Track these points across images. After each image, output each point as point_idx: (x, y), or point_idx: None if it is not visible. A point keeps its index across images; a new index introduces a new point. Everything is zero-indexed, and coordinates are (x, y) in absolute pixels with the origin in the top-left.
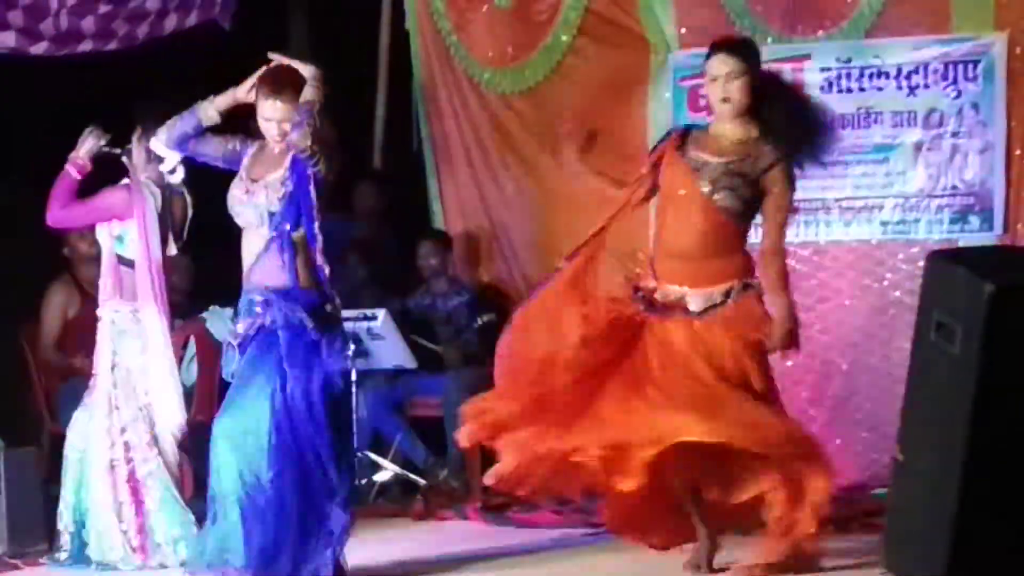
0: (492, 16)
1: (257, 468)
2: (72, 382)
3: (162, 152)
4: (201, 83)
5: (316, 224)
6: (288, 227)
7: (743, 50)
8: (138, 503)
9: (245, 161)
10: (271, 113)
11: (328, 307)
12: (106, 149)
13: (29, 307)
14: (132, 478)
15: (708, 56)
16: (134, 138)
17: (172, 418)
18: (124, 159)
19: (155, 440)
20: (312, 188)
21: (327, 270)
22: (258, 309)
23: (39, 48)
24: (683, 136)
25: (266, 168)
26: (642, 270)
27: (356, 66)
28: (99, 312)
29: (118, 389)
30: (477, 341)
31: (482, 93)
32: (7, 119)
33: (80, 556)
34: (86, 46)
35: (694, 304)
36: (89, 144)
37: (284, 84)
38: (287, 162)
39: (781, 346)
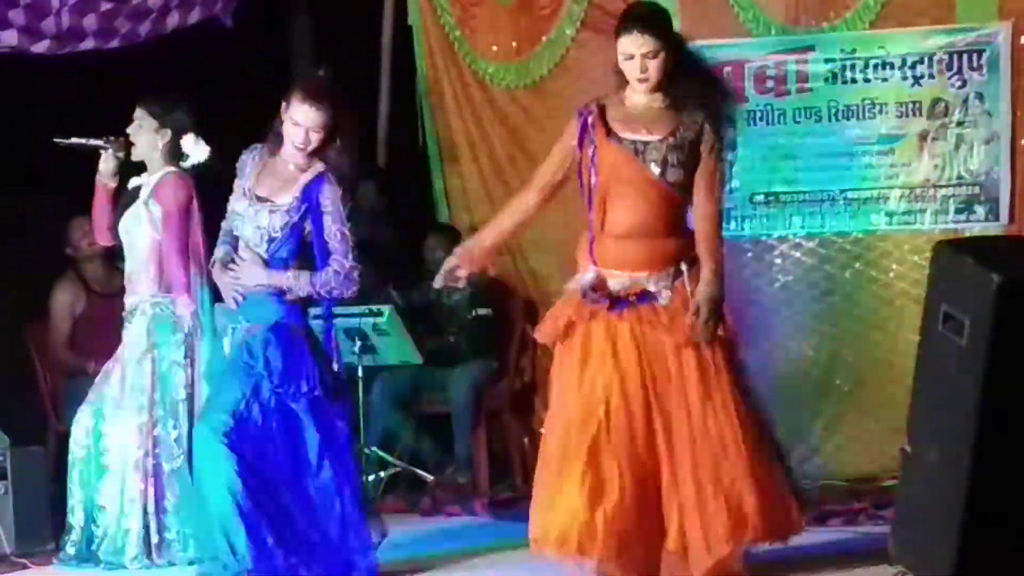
0: (496, 10)
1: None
2: (77, 380)
3: (190, 149)
4: (203, 80)
5: (297, 260)
6: (285, 255)
7: (658, 26)
8: (159, 500)
9: (248, 171)
10: (302, 118)
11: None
12: (93, 143)
13: (33, 306)
14: (157, 475)
15: (620, 30)
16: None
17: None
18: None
19: (183, 437)
20: (310, 227)
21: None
22: (244, 321)
23: (41, 47)
24: (603, 118)
25: (277, 188)
26: (580, 261)
27: (359, 62)
28: (130, 302)
29: (156, 383)
30: (467, 333)
31: (486, 88)
32: (10, 118)
33: (88, 554)
34: (88, 44)
35: (660, 295)
36: (111, 164)
37: (321, 92)
38: (301, 188)
39: (704, 334)
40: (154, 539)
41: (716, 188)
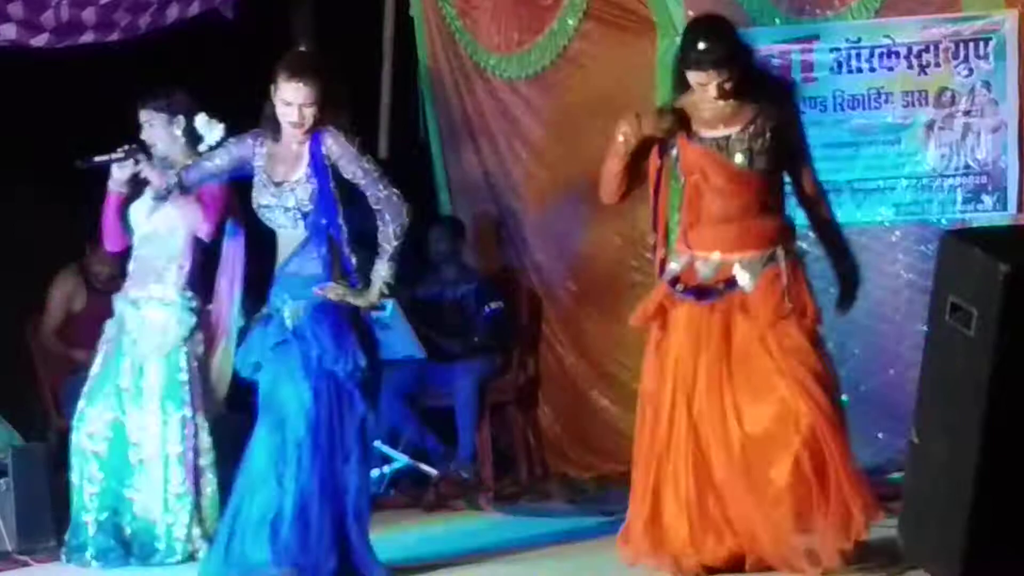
0: (497, 1)
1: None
2: (79, 376)
3: (204, 129)
4: (204, 72)
5: (339, 215)
6: (325, 222)
7: (727, 53)
8: (197, 495)
9: (260, 162)
10: (292, 96)
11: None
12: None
13: (33, 302)
14: (196, 470)
15: (688, 63)
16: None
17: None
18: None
19: (211, 430)
20: (332, 180)
21: (353, 260)
22: (292, 301)
23: (40, 40)
24: (681, 120)
25: (288, 167)
26: (660, 251)
27: (360, 53)
28: (148, 292)
29: (192, 376)
30: (485, 330)
31: (488, 79)
32: (11, 111)
33: (110, 549)
34: (87, 37)
35: (742, 278)
36: (126, 172)
37: (306, 66)
38: (306, 157)
39: (845, 304)
40: (196, 532)
41: (811, 165)
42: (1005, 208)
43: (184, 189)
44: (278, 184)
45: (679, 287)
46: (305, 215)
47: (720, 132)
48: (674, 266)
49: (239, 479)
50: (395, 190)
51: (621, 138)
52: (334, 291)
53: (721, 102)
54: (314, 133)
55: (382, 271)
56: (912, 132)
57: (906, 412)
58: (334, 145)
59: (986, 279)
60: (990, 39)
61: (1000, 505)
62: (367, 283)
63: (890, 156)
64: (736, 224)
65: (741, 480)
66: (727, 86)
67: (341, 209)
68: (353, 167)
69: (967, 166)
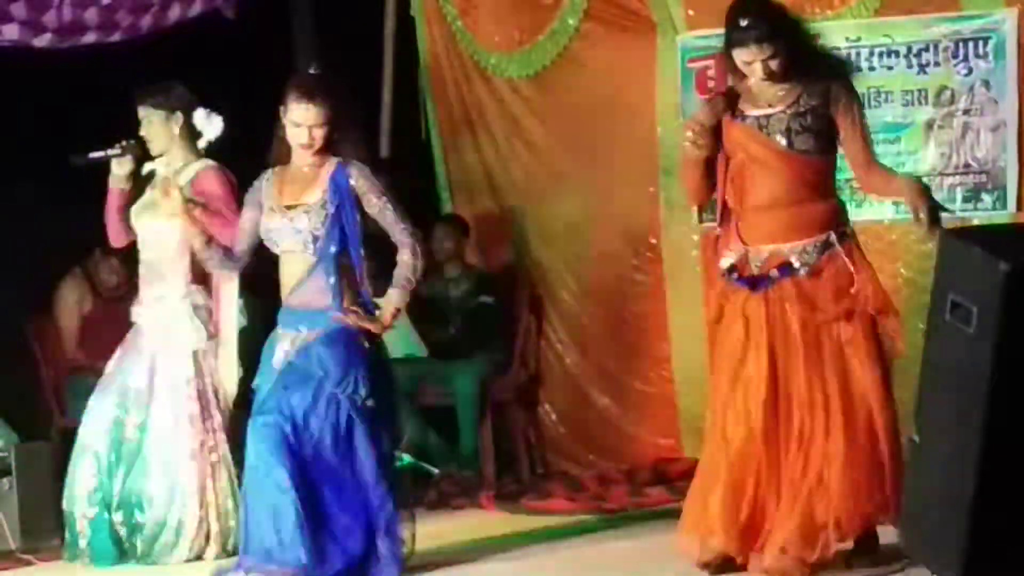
0: (498, 1)
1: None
2: (81, 376)
3: (203, 125)
4: (206, 72)
5: (360, 247)
6: (334, 250)
7: (772, 28)
8: (206, 493)
9: (265, 192)
10: (301, 117)
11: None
12: (110, 152)
13: (36, 302)
14: (206, 468)
15: (733, 41)
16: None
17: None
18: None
19: (222, 427)
20: (356, 209)
21: (370, 293)
22: (302, 328)
23: (42, 40)
24: (730, 100)
25: (301, 189)
26: (725, 244)
27: (361, 53)
28: (153, 292)
29: (200, 373)
30: (464, 320)
31: (489, 78)
32: (13, 111)
33: (117, 545)
34: (89, 38)
35: (796, 262)
36: (126, 168)
37: (315, 88)
38: (325, 182)
39: (930, 221)
40: (214, 528)
41: (867, 145)
42: (1005, 207)
43: (240, 263)
44: (289, 207)
45: (734, 275)
46: (315, 239)
47: (763, 111)
48: (729, 259)
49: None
50: (416, 231)
51: (688, 143)
52: (350, 317)
53: (772, 87)
54: (338, 164)
55: (394, 297)
56: (912, 131)
57: (906, 410)
58: (362, 179)
59: (986, 277)
60: (989, 38)
61: (1001, 502)
62: (382, 281)
63: (890, 155)
64: (784, 210)
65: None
66: (773, 64)
67: (361, 238)
68: (379, 204)
69: (967, 165)
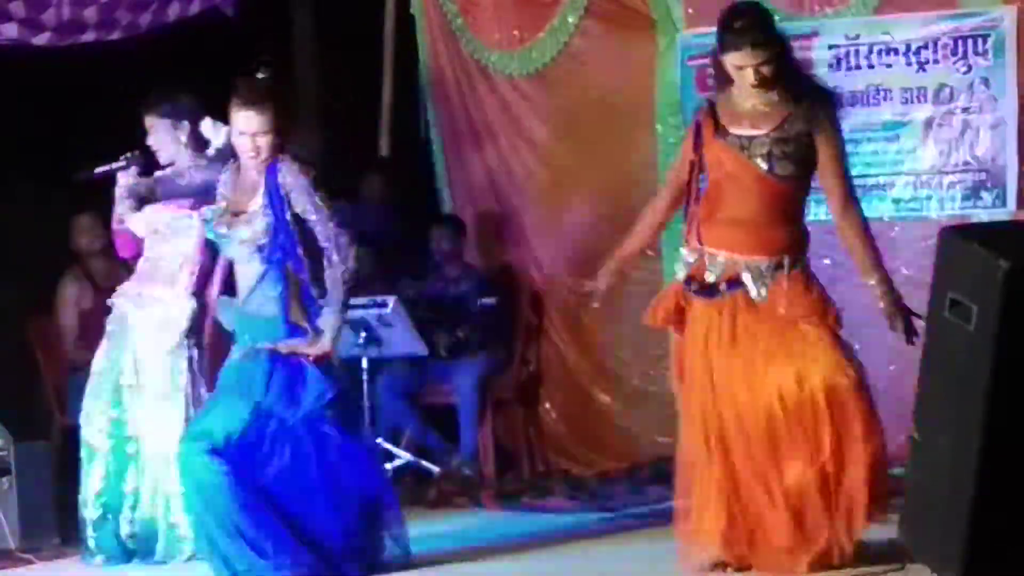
0: None
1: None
2: (82, 375)
3: (210, 133)
4: (205, 70)
5: (299, 247)
6: (279, 256)
7: (767, 35)
8: None
9: (223, 189)
10: (244, 125)
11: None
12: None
13: (35, 300)
14: None
15: (728, 45)
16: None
17: None
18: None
19: None
20: (288, 212)
21: (315, 292)
22: (247, 337)
23: (41, 39)
24: (712, 116)
25: (245, 199)
26: (689, 248)
27: (361, 51)
28: (152, 293)
29: (195, 377)
30: (473, 325)
31: (489, 76)
32: (13, 111)
33: (119, 545)
34: (89, 36)
35: (746, 281)
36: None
37: (256, 94)
38: (263, 187)
39: (899, 329)
40: None
41: (845, 180)
42: (1004, 204)
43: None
44: (235, 214)
45: (693, 285)
46: (260, 248)
47: (747, 131)
48: (687, 261)
49: None
50: (344, 232)
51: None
52: (287, 346)
53: (757, 99)
54: (271, 163)
55: (330, 319)
56: (911, 129)
57: (907, 408)
58: (288, 175)
59: (986, 275)
60: (989, 35)
61: (1002, 500)
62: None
63: (889, 153)
64: (749, 227)
65: (757, 479)
66: (765, 70)
67: (300, 241)
68: (304, 202)
69: (966, 163)
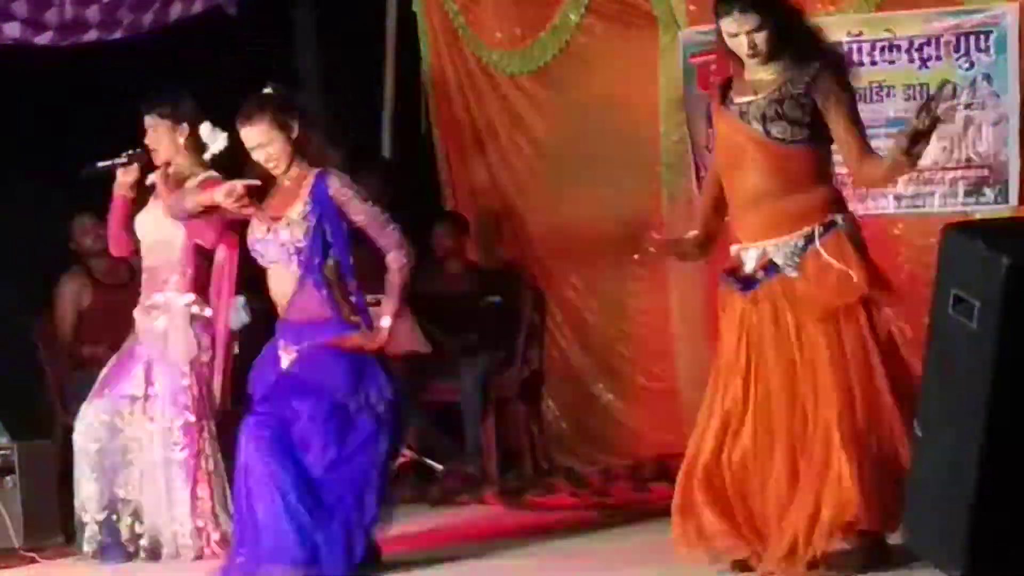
0: None
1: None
2: (84, 374)
3: (208, 138)
4: (207, 70)
5: (349, 255)
6: (318, 261)
7: (755, 4)
8: (209, 498)
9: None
10: (247, 142)
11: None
12: (117, 162)
13: (38, 300)
14: (201, 473)
15: (719, 12)
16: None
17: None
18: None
19: (215, 436)
20: (341, 217)
21: (364, 298)
22: (305, 341)
23: (44, 38)
24: (724, 88)
25: (283, 202)
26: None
27: (363, 50)
28: (154, 300)
29: (195, 382)
30: (480, 324)
31: (491, 74)
32: (14, 110)
33: (119, 548)
34: (91, 35)
35: (779, 262)
36: (131, 176)
37: (250, 109)
38: (307, 195)
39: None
40: (214, 537)
41: (858, 136)
42: (1006, 200)
43: None
44: (274, 218)
45: (731, 277)
46: (298, 251)
47: (747, 98)
48: (732, 253)
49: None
50: (400, 232)
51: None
52: (349, 342)
53: (763, 70)
54: (317, 175)
55: (388, 308)
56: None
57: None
58: (342, 187)
59: (988, 271)
60: (991, 32)
61: (1005, 496)
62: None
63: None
64: (768, 205)
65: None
66: (757, 39)
67: (349, 246)
68: (359, 210)
69: (969, 159)
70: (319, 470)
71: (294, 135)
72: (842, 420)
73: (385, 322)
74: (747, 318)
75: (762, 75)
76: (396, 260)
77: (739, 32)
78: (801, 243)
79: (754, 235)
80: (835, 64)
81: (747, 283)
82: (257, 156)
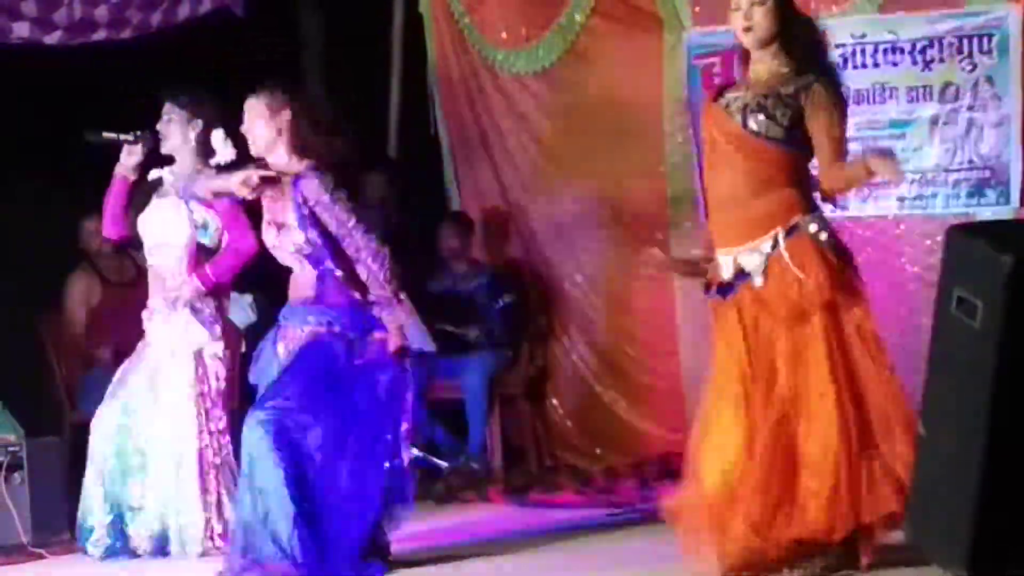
0: None
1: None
2: (93, 371)
3: (219, 146)
4: (214, 69)
5: (335, 255)
6: (331, 264)
7: None
8: (217, 493)
9: (266, 201)
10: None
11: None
12: (123, 137)
13: (47, 297)
14: (210, 470)
15: None
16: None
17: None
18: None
19: (226, 431)
20: (319, 225)
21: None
22: (311, 318)
23: (53, 38)
24: (723, 88)
25: (281, 208)
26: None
27: (370, 50)
28: (160, 298)
29: (204, 377)
30: (498, 323)
31: (497, 75)
32: (19, 109)
33: (121, 548)
34: (100, 35)
35: (748, 267)
36: (134, 157)
37: (248, 95)
38: (290, 199)
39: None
40: (217, 530)
41: (837, 147)
42: (1008, 202)
43: None
44: (279, 225)
45: (712, 290)
46: (308, 257)
47: (737, 94)
48: (715, 264)
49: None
50: (372, 238)
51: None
52: (392, 344)
53: (763, 64)
54: (294, 180)
55: (394, 315)
56: (916, 127)
57: (913, 404)
58: (313, 193)
59: (991, 272)
60: (993, 34)
61: (1007, 496)
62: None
63: (895, 151)
64: (739, 209)
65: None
66: (757, 14)
67: (334, 250)
68: (327, 219)
69: (971, 161)
70: (323, 466)
71: (280, 125)
72: (813, 426)
73: (395, 331)
74: (731, 325)
75: (760, 70)
76: (375, 267)
77: (741, 5)
78: (768, 247)
79: (726, 241)
80: (831, 78)
81: (725, 290)
82: (249, 140)
